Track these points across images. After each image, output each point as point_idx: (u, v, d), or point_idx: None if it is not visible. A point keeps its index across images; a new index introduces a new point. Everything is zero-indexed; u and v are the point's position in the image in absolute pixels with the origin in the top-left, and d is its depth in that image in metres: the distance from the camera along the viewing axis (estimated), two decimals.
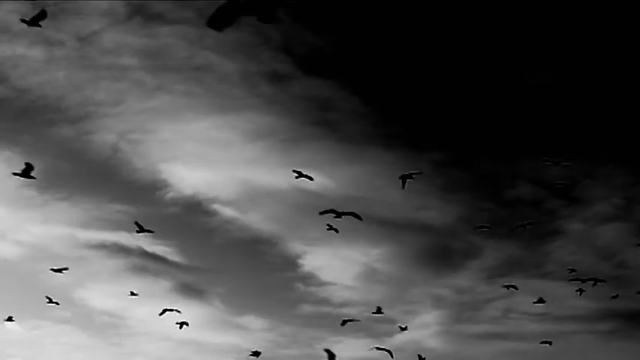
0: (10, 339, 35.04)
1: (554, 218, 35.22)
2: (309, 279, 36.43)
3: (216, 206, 36.42)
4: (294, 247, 36.64)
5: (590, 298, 32.40)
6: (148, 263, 35.06)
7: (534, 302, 26.63)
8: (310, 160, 34.92)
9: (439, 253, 35.93)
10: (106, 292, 35.91)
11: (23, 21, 18.55)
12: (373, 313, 26.25)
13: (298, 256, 36.41)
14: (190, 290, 35.03)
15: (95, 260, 35.19)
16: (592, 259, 34.23)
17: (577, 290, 25.53)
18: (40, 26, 18.38)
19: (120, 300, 35.70)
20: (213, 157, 36.64)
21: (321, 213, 20.43)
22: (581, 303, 33.19)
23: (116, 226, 36.08)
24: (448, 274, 36.52)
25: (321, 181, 34.12)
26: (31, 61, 34.05)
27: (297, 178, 20.91)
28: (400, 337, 30.95)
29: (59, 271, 25.25)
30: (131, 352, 35.49)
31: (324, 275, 36.44)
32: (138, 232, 22.84)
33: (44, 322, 35.99)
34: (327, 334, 35.68)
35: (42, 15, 18.12)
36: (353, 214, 20.18)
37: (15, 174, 19.56)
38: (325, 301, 36.28)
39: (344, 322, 24.44)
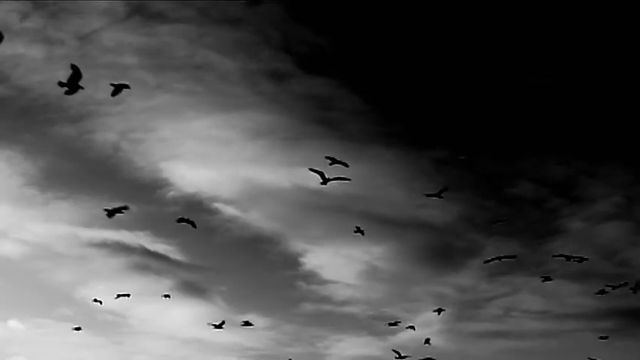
0: (12, 337, 35.22)
1: (555, 217, 35.27)
2: (311, 277, 36.51)
3: (217, 205, 36.44)
4: (296, 245, 36.70)
5: (592, 297, 32.44)
6: (149, 262, 35.15)
7: (596, 293, 25.58)
8: (311, 159, 34.81)
9: (440, 251, 36.00)
10: (108, 290, 35.97)
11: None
12: (434, 311, 26.16)
13: (300, 255, 36.48)
14: (192, 289, 35.14)
15: (97, 259, 35.31)
16: (593, 258, 34.14)
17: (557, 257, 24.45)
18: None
19: (122, 299, 35.79)
20: (214, 155, 36.65)
21: (311, 170, 20.15)
22: (582, 301, 33.30)
23: (118, 224, 36.16)
24: (450, 272, 36.58)
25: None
26: (31, 60, 34.00)
27: (330, 164, 20.83)
28: (403, 336, 31.00)
29: (124, 295, 26.14)
30: (133, 350, 35.66)
31: (326, 274, 36.51)
32: (178, 221, 22.29)
33: (47, 321, 36.16)
34: (329, 333, 35.82)
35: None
36: (341, 178, 20.20)
37: (106, 210, 19.96)
38: (327, 300, 36.38)
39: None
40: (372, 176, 35.38)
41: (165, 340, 36.03)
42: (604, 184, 35.06)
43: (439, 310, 26.24)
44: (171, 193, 36.27)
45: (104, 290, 35.99)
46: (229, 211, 36.46)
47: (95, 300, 26.97)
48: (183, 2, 34.00)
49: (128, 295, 26.26)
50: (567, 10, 30.68)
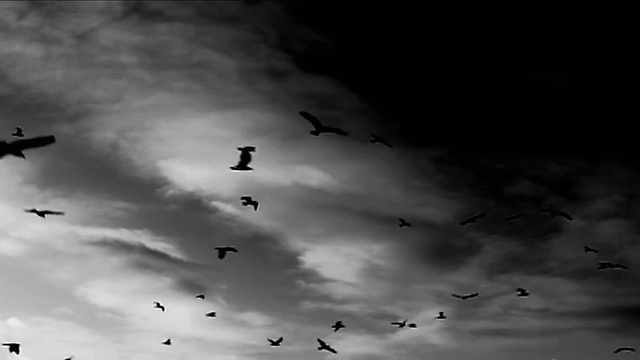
0: (12, 336, 35.25)
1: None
2: (310, 276, 36.48)
3: (216, 203, 36.37)
4: (295, 243, 36.66)
5: (591, 295, 32.49)
6: (149, 260, 35.14)
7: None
8: (310, 157, 34.87)
9: (440, 249, 35.98)
10: (107, 289, 36.03)
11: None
12: (519, 295, 25.99)
13: (299, 253, 36.44)
14: (192, 287, 35.09)
15: (97, 257, 35.30)
16: (592, 256, 34.18)
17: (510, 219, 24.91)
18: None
19: (122, 297, 35.85)
20: (213, 154, 36.52)
21: (302, 113, 17.35)
22: (582, 299, 33.31)
23: (117, 223, 36.16)
24: (449, 270, 36.58)
25: (321, 177, 34.16)
26: (29, 58, 33.98)
27: (373, 142, 20.43)
28: (403, 334, 31.09)
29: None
30: (133, 348, 35.69)
31: (325, 272, 36.49)
32: (245, 204, 21.96)
33: (46, 319, 36.20)
34: (328, 331, 35.74)
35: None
36: (337, 130, 17.64)
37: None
38: (326, 298, 36.36)
39: None
40: (371, 175, 35.38)
41: (165, 338, 35.98)
42: (603, 183, 35.05)
43: (522, 292, 26.03)
44: (170, 192, 36.27)
45: (104, 289, 36.07)
46: (228, 209, 36.40)
47: (158, 305, 27.24)
48: (181, 1, 33.95)
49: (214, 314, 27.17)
50: (566, 8, 30.60)
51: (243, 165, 17.61)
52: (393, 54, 34.12)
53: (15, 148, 10.95)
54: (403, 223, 24.20)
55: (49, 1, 33.41)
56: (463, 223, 23.18)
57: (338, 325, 25.36)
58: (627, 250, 33.41)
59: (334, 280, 36.36)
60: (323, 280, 36.26)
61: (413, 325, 27.55)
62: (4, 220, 35.19)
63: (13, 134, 22.18)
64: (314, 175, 33.12)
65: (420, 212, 35.61)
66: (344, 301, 36.23)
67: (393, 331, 34.16)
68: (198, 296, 27.06)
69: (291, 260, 36.75)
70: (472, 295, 25.73)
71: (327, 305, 36.23)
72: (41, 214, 15.42)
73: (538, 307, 34.28)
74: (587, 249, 24.97)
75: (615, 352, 25.11)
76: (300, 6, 33.61)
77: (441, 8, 32.08)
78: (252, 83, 35.35)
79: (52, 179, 36.20)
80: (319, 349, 23.27)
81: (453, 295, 25.75)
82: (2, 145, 10.59)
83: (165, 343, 27.25)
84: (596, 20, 30.74)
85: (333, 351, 23.71)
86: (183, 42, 34.57)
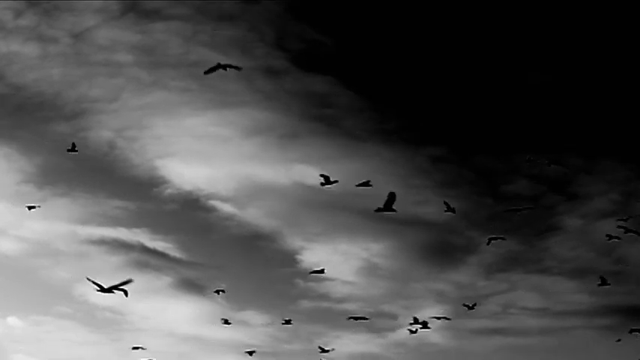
0: (11, 334, 35.37)
1: (552, 214, 35.20)
2: (308, 274, 36.43)
3: (214, 202, 36.41)
4: (293, 242, 36.62)
5: (590, 294, 32.46)
6: (148, 259, 35.18)
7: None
8: (309, 156, 34.82)
9: (439, 248, 35.97)
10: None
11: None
12: (599, 285, 25.58)
13: (297, 252, 36.39)
14: (191, 286, 35.15)
15: (96, 256, 35.33)
16: (591, 255, 34.23)
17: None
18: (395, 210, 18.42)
19: (121, 296, 35.79)
20: (211, 153, 36.58)
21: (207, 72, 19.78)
22: (580, 298, 33.29)
23: (115, 222, 36.22)
24: (448, 269, 36.57)
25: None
26: (26, 57, 34.14)
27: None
28: (402, 333, 31.03)
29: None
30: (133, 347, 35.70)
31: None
32: (323, 184, 21.73)
33: (45, 318, 36.28)
34: (327, 330, 35.81)
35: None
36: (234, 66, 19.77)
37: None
38: (325, 297, 36.35)
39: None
40: (369, 173, 35.19)
41: (165, 337, 36.10)
42: (601, 181, 34.99)
43: (603, 281, 25.85)
44: (168, 191, 36.31)
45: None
46: (226, 208, 36.44)
47: (226, 322, 27.36)
48: (178, 0, 33.98)
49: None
50: (566, 7, 30.52)
51: (388, 205, 18.53)
52: (391, 53, 34.13)
53: (108, 290, 15.36)
54: (448, 208, 24.12)
55: (45, 0, 33.50)
56: (490, 241, 25.65)
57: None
58: (626, 249, 33.34)
59: (333, 279, 36.34)
60: (321, 279, 36.23)
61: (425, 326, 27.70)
62: (3, 218, 35.30)
63: (68, 150, 26.34)
64: (312, 174, 32.95)
65: (419, 211, 35.57)
66: (343, 299, 36.25)
67: (392, 329, 34.20)
68: (215, 291, 27.53)
69: (289, 259, 36.75)
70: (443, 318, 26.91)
71: (325, 304, 36.27)
72: (109, 290, 16.60)
73: (536, 305, 34.36)
74: (609, 237, 25.00)
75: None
76: (298, 5, 33.59)
77: (441, 8, 32.03)
78: (250, 82, 35.35)
79: (49, 178, 36.33)
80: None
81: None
82: (101, 287, 15.70)
83: (249, 353, 27.10)
84: (595, 19, 30.70)
85: None
86: (180, 41, 34.63)
